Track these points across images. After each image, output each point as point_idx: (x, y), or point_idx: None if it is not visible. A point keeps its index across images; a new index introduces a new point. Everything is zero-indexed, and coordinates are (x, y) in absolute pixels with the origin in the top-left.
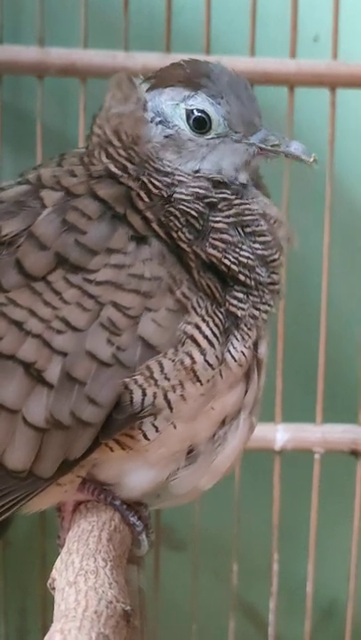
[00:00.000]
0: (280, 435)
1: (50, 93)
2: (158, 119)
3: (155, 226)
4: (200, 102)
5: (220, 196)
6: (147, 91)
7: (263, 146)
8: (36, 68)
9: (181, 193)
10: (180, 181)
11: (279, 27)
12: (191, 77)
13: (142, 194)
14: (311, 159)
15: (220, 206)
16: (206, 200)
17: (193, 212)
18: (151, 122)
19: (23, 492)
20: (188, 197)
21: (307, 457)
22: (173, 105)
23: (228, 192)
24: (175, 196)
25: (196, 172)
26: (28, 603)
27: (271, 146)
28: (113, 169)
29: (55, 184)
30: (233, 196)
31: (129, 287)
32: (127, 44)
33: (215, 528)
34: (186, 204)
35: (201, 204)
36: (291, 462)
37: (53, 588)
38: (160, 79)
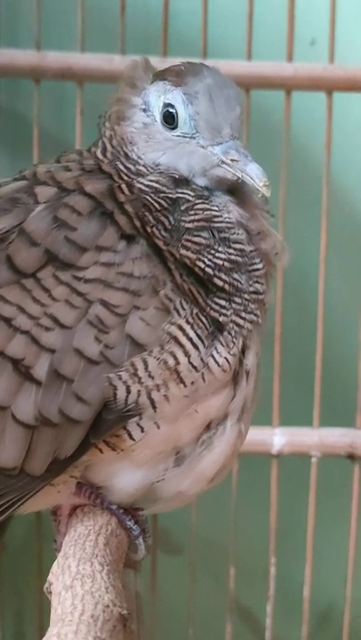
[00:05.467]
0: (277, 438)
1: (46, 97)
2: (143, 107)
3: (136, 222)
4: (173, 98)
5: (180, 195)
6: (151, 81)
7: (223, 158)
8: (33, 72)
9: (142, 183)
10: (140, 171)
11: (276, 30)
12: (180, 74)
13: (123, 186)
14: (261, 184)
15: (182, 207)
16: (162, 195)
17: (156, 206)
18: (138, 108)
19: (19, 494)
20: (147, 189)
21: (304, 460)
22: (157, 96)
23: (190, 193)
24: (136, 185)
25: (157, 165)
26: (24, 607)
27: (231, 160)
28: (99, 154)
29: (49, 179)
30: (194, 198)
31: (118, 285)
32: (124, 48)
33: (212, 532)
34: (149, 196)
35: (161, 199)
36: (288, 466)
37: (50, 592)
38: (162, 72)
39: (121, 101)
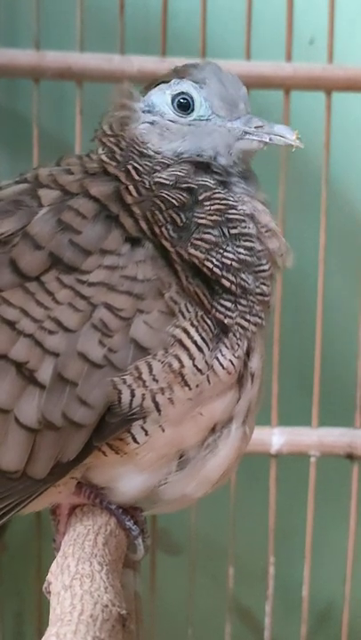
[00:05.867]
0: (276, 438)
1: (46, 97)
2: (147, 109)
3: (143, 224)
4: (184, 86)
5: (201, 182)
6: (143, 95)
7: (246, 128)
8: (32, 72)
9: (161, 177)
10: (160, 164)
11: (275, 30)
12: (181, 71)
13: (130, 187)
14: (294, 137)
15: (201, 197)
16: (185, 185)
17: (174, 202)
18: (142, 111)
19: (20, 497)
20: (168, 182)
21: (303, 460)
22: (161, 93)
23: (211, 181)
24: (156, 180)
25: (178, 153)
26: (23, 607)
27: (255, 127)
28: (104, 158)
29: (52, 182)
30: (214, 186)
31: (121, 289)
32: (123, 48)
33: (211, 531)
34: (166, 191)
35: (181, 192)
36: (287, 466)
37: (49, 592)
38: (155, 81)
39: (123, 107)
